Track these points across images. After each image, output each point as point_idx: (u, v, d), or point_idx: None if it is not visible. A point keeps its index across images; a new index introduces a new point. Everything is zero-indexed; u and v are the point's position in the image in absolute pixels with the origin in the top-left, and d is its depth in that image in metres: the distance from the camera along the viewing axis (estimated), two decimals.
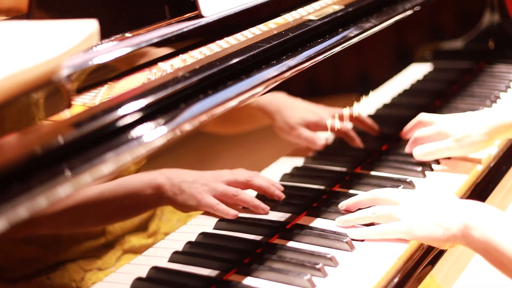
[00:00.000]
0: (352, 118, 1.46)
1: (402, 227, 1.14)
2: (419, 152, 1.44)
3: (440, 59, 1.90)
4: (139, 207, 1.05)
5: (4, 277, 0.87)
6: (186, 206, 1.10)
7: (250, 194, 1.18)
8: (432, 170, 1.44)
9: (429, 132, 1.46)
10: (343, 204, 1.26)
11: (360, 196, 1.25)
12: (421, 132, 1.48)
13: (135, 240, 1.04)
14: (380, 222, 1.19)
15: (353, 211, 1.24)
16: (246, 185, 1.19)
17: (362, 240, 1.18)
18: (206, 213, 1.15)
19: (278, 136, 1.32)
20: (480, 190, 1.45)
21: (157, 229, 1.08)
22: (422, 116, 1.52)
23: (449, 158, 1.47)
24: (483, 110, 1.69)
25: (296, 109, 1.31)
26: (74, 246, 0.96)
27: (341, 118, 1.42)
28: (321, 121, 1.37)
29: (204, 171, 1.13)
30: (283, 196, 1.24)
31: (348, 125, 1.45)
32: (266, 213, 1.19)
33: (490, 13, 2.04)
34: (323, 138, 1.39)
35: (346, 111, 1.44)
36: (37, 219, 0.81)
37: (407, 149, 1.49)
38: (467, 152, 1.43)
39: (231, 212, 1.14)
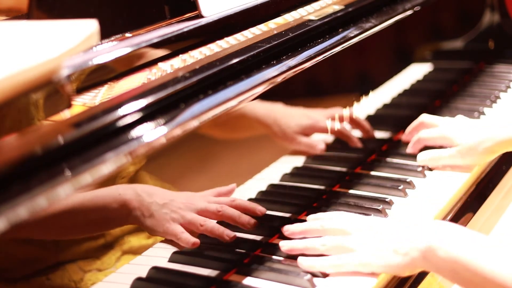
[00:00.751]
0: (347, 119, 1.45)
1: (357, 259, 1.07)
2: (424, 158, 1.43)
3: (440, 59, 1.90)
4: (106, 223, 1.00)
5: (4, 277, 0.87)
6: (151, 231, 1.05)
7: (215, 224, 1.12)
8: (432, 170, 1.44)
9: (433, 135, 1.45)
10: (287, 229, 1.17)
11: (308, 224, 1.16)
12: (425, 134, 1.47)
13: (134, 241, 1.04)
14: (329, 253, 1.11)
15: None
16: (216, 216, 1.13)
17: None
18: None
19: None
20: (480, 190, 1.45)
21: None
22: (424, 118, 1.51)
23: None
24: (487, 119, 1.67)
25: (291, 117, 1.29)
26: (73, 247, 0.96)
27: (336, 119, 1.41)
28: (317, 123, 1.37)
29: (180, 191, 1.09)
30: (255, 224, 1.17)
31: (344, 126, 1.44)
32: (231, 239, 1.12)
33: (490, 13, 2.04)
34: (322, 142, 1.38)
35: (341, 112, 1.43)
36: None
37: (409, 150, 1.49)
38: (469, 164, 1.42)
39: (191, 241, 1.08)
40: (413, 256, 1.04)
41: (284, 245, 1.14)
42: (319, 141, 1.37)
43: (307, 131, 1.34)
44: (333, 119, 1.40)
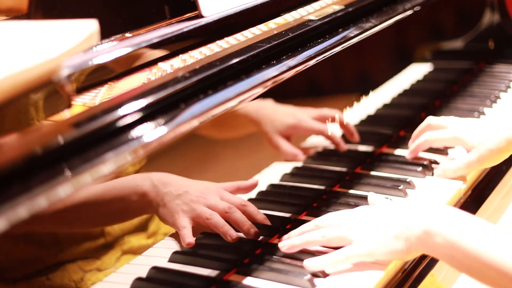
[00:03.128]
0: (334, 121, 1.41)
1: (361, 250, 1.06)
2: (440, 172, 1.41)
3: (440, 59, 1.90)
4: (125, 213, 1.03)
5: (4, 277, 0.87)
6: (163, 220, 1.07)
7: (221, 220, 1.13)
8: (432, 170, 1.44)
9: (444, 136, 1.41)
10: (285, 237, 1.15)
11: (302, 227, 1.15)
12: (434, 135, 1.42)
13: (134, 241, 1.04)
14: (331, 245, 1.10)
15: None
16: (224, 216, 1.14)
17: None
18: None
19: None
20: (480, 190, 1.45)
21: (156, 229, 1.08)
22: (431, 120, 1.45)
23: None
24: (499, 117, 1.66)
25: (277, 115, 1.27)
26: (73, 246, 0.96)
27: (323, 120, 1.39)
28: (300, 123, 1.33)
29: (196, 180, 1.10)
30: (257, 234, 1.17)
31: (328, 127, 1.40)
32: (234, 240, 1.12)
33: (490, 13, 2.04)
34: (302, 153, 1.36)
35: (328, 113, 1.40)
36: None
37: (411, 153, 1.46)
38: (485, 167, 1.41)
39: (186, 240, 1.08)
40: (413, 241, 1.03)
41: (283, 245, 1.12)
42: (299, 151, 1.35)
43: (291, 131, 1.31)
44: (320, 120, 1.38)
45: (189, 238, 1.08)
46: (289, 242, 1.12)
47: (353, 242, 1.08)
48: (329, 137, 1.41)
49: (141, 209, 1.05)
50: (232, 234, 1.13)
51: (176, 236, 1.10)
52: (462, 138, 1.38)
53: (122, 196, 1.01)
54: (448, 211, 1.05)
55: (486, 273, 0.98)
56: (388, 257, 1.07)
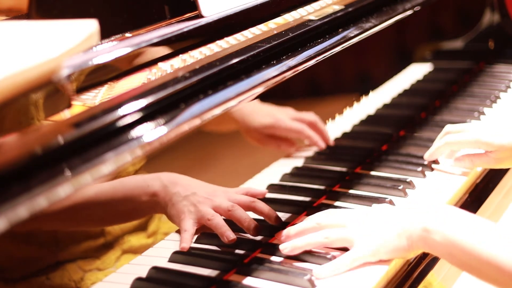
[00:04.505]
0: (311, 123, 1.38)
1: (365, 251, 1.07)
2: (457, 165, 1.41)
3: (440, 59, 1.90)
4: (135, 213, 1.04)
5: (4, 277, 0.87)
6: (171, 219, 1.09)
7: (221, 221, 1.13)
8: (432, 170, 1.44)
9: (464, 139, 1.39)
10: (284, 234, 1.15)
11: (302, 224, 1.15)
12: (454, 138, 1.40)
13: (134, 240, 1.04)
14: (334, 246, 1.12)
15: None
16: (226, 214, 1.14)
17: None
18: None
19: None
20: (480, 190, 1.45)
21: (156, 229, 1.08)
22: (450, 128, 1.43)
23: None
24: None
25: (256, 114, 1.25)
26: (73, 246, 0.96)
27: (302, 121, 1.36)
28: (277, 122, 1.31)
29: (204, 182, 1.11)
30: (257, 233, 1.17)
31: (305, 127, 1.37)
32: (230, 242, 1.13)
33: (490, 13, 2.04)
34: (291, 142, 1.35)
35: (309, 117, 1.37)
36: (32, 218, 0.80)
37: (430, 157, 1.44)
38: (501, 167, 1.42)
39: (182, 243, 1.09)
40: (413, 239, 1.05)
41: (285, 247, 1.12)
42: (289, 141, 1.34)
43: (268, 130, 1.30)
44: (299, 120, 1.35)
45: (185, 243, 1.09)
46: (291, 244, 1.12)
47: (355, 243, 1.09)
48: (307, 137, 1.38)
49: (150, 208, 1.06)
50: (229, 235, 1.13)
51: (176, 236, 1.10)
52: (483, 141, 1.37)
53: (132, 196, 1.02)
54: (447, 210, 1.06)
55: (485, 270, 0.99)
56: (391, 256, 1.08)
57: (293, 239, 1.13)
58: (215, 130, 1.17)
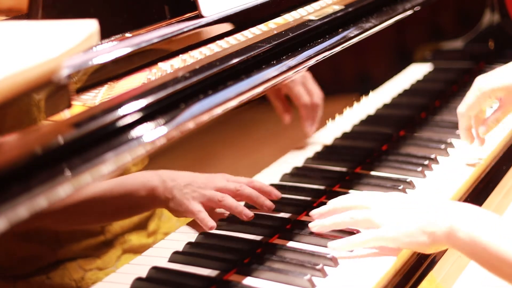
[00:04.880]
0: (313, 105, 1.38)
1: (387, 234, 1.11)
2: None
3: (440, 59, 1.90)
4: (135, 208, 1.05)
5: (5, 276, 0.88)
6: (175, 212, 1.10)
7: (234, 201, 1.16)
8: (432, 170, 1.44)
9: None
10: (315, 213, 1.20)
11: (332, 204, 1.20)
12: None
13: (135, 239, 1.04)
14: (358, 227, 1.17)
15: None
16: (235, 194, 1.17)
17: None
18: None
19: (277, 136, 1.32)
20: (480, 190, 1.45)
21: (156, 228, 1.08)
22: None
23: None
24: None
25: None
26: (73, 243, 0.96)
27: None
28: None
29: (200, 173, 1.12)
30: (272, 206, 1.21)
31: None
32: (249, 219, 1.16)
33: (490, 13, 2.04)
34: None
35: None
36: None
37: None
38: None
39: (209, 224, 1.11)
40: (438, 236, 1.08)
41: (314, 225, 1.17)
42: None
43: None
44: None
45: (210, 221, 1.11)
46: (319, 223, 1.17)
47: (379, 225, 1.12)
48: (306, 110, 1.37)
49: (150, 203, 1.07)
50: (248, 213, 1.16)
51: (176, 236, 1.10)
52: (487, 89, 1.39)
53: (131, 191, 1.03)
54: (472, 210, 1.10)
55: (505, 269, 1.02)
56: (409, 247, 1.12)
57: (322, 219, 1.18)
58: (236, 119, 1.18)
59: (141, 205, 1.06)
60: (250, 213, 1.17)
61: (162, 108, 0.98)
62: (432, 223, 1.08)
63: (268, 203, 1.21)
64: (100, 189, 0.96)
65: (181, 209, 1.10)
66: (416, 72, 1.78)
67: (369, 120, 1.55)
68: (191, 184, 1.10)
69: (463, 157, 1.49)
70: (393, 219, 1.12)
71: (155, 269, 1.06)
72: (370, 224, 1.14)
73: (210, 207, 1.13)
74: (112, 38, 1.07)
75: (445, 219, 1.07)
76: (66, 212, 0.90)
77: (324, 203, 1.31)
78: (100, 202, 0.97)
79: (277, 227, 1.22)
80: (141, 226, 1.05)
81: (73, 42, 0.83)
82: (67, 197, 0.81)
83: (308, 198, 1.33)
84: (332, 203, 1.20)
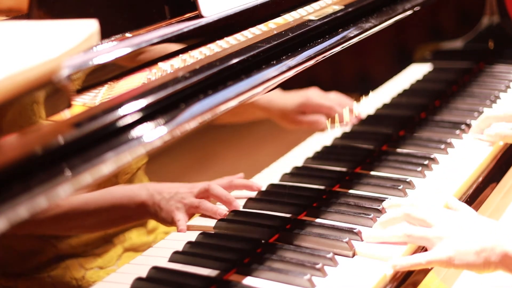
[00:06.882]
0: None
1: (443, 256, 1.12)
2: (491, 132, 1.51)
3: (440, 59, 1.90)
4: (124, 220, 1.06)
5: (5, 272, 0.88)
6: (164, 222, 1.10)
7: (210, 204, 1.17)
8: (431, 170, 1.44)
9: (498, 113, 1.54)
10: (387, 205, 1.25)
11: (392, 213, 1.22)
12: (491, 112, 1.55)
13: (135, 238, 1.04)
14: (414, 244, 1.18)
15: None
16: (206, 194, 1.18)
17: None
18: (204, 214, 1.16)
19: (277, 136, 1.32)
20: (480, 191, 1.45)
21: (156, 226, 1.08)
22: (488, 112, 1.58)
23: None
24: None
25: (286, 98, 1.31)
26: (72, 238, 0.96)
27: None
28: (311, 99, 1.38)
29: (182, 183, 1.14)
30: (234, 205, 1.22)
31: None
32: (223, 217, 1.18)
33: (490, 13, 2.04)
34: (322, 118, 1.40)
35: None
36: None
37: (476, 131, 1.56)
38: None
39: (180, 227, 1.12)
40: (492, 260, 1.10)
41: (368, 236, 1.19)
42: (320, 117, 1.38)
43: (301, 108, 1.35)
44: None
45: (181, 226, 1.12)
46: (377, 235, 1.19)
47: (435, 247, 1.13)
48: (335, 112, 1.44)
49: (139, 215, 1.08)
50: (221, 212, 1.18)
51: (176, 236, 1.10)
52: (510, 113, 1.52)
53: (121, 205, 1.03)
54: None
55: None
56: (462, 268, 1.14)
57: (378, 231, 1.20)
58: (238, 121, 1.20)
59: (129, 216, 1.07)
60: (224, 212, 1.18)
61: (162, 108, 0.98)
62: (488, 248, 1.10)
63: (232, 203, 1.21)
64: (88, 201, 0.97)
65: (169, 221, 1.11)
66: (416, 72, 1.78)
67: (369, 120, 1.55)
68: (175, 196, 1.11)
69: (463, 156, 1.49)
70: (450, 242, 1.13)
71: (155, 269, 1.06)
72: (426, 243, 1.15)
73: (192, 213, 1.14)
74: (112, 38, 1.07)
75: (500, 246, 1.10)
76: (54, 223, 0.90)
77: (324, 203, 1.32)
78: (87, 214, 0.98)
79: (277, 227, 1.22)
80: (141, 223, 1.06)
81: (73, 42, 0.83)
82: (55, 208, 0.81)
83: (308, 198, 1.33)
84: (392, 213, 1.22)
